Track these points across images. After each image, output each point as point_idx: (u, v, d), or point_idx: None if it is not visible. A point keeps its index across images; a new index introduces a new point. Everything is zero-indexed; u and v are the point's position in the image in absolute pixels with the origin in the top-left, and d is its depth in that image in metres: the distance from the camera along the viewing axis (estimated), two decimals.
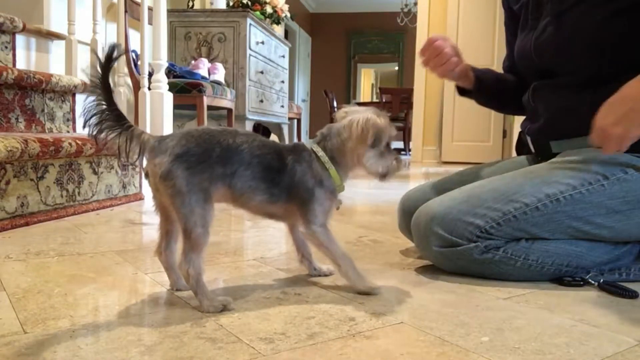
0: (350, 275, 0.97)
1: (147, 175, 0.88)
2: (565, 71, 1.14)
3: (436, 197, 1.16)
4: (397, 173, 1.00)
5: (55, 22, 2.60)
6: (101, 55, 0.84)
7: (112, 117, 0.84)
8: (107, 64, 0.84)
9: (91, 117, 0.83)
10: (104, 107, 0.84)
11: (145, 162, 0.89)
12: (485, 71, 1.35)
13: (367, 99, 12.02)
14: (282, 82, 4.94)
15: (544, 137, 1.22)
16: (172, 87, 2.65)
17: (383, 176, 0.99)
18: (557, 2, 1.13)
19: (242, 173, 0.89)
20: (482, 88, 1.31)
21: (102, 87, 0.84)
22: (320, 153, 0.96)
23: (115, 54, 0.84)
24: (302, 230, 0.97)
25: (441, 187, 1.29)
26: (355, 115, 0.95)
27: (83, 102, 0.84)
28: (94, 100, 0.84)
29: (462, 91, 1.36)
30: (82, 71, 2.65)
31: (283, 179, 0.92)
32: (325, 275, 1.09)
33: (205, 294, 0.87)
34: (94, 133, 0.84)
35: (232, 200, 0.93)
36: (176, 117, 3.50)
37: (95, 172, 1.93)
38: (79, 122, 2.38)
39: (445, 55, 1.19)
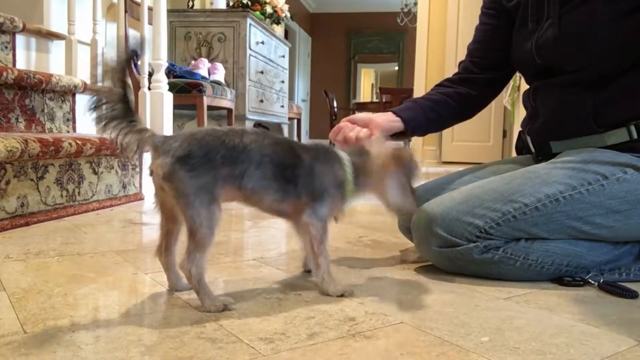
0: (325, 277, 0.96)
1: (151, 174, 0.88)
2: (568, 71, 1.14)
3: (436, 197, 1.16)
4: (410, 211, 1.03)
5: (55, 22, 2.60)
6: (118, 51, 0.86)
7: (119, 111, 0.83)
8: (130, 58, 0.85)
9: (97, 107, 0.82)
10: (115, 99, 0.83)
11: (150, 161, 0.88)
12: (410, 106, 1.30)
13: (367, 99, 12.02)
14: (282, 82, 4.94)
15: (544, 137, 1.22)
16: (172, 87, 2.65)
17: (397, 210, 1.00)
18: (560, 3, 1.13)
19: (253, 173, 0.88)
20: (415, 127, 1.27)
21: (119, 80, 0.83)
22: (346, 161, 0.97)
23: (140, 50, 0.87)
24: (304, 218, 0.94)
25: (441, 187, 1.28)
26: (385, 147, 0.97)
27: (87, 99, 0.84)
28: (106, 92, 0.83)
29: (395, 135, 1.30)
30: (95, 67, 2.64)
31: (298, 174, 0.92)
32: None
33: (207, 293, 0.87)
34: (101, 125, 0.83)
35: (243, 199, 0.92)
36: (176, 117, 3.50)
37: (95, 172, 1.93)
38: (79, 121, 2.38)
39: (350, 140, 1.17)
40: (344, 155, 0.98)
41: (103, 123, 0.83)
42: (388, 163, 0.95)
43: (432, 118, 1.31)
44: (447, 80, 1.38)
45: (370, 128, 1.20)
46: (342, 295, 0.96)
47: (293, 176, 0.91)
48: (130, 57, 0.86)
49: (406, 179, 0.97)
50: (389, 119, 1.25)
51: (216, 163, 0.85)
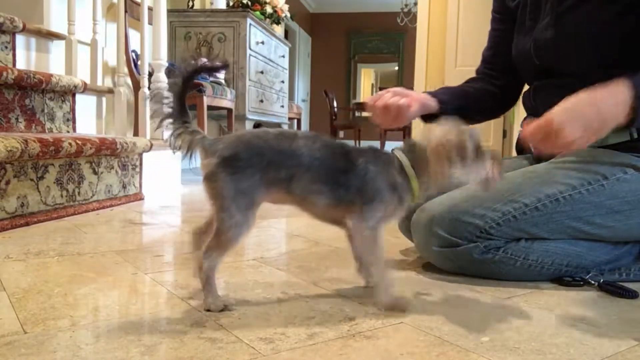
0: (380, 286, 0.91)
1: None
2: (567, 72, 1.14)
3: (436, 197, 1.16)
4: (498, 178, 0.92)
5: (55, 22, 2.60)
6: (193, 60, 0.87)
7: (174, 110, 0.86)
8: (204, 69, 0.88)
9: (156, 99, 0.86)
10: (174, 98, 0.86)
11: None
12: (445, 91, 1.32)
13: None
14: (282, 82, 4.94)
15: None
16: None
17: (482, 186, 0.93)
18: (557, 3, 1.13)
19: (302, 176, 0.86)
20: (448, 109, 1.26)
21: (184, 83, 0.86)
22: (405, 162, 0.91)
23: (222, 68, 0.91)
24: (352, 224, 0.90)
25: None
26: (434, 134, 0.90)
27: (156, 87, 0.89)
28: (169, 92, 0.86)
29: (427, 117, 1.29)
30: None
31: (350, 179, 0.88)
32: None
33: (212, 290, 0.87)
34: (156, 120, 0.87)
35: (294, 203, 0.91)
36: None
37: (95, 172, 1.93)
38: (79, 121, 2.38)
39: (391, 107, 1.15)
40: (403, 157, 0.92)
41: (159, 118, 0.86)
42: (437, 159, 0.88)
43: (462, 106, 1.31)
44: (472, 79, 1.41)
45: (409, 99, 1.19)
46: (392, 309, 0.90)
47: (346, 180, 0.88)
48: (198, 71, 0.88)
49: (465, 158, 0.87)
50: (425, 97, 1.25)
51: (262, 166, 0.84)
